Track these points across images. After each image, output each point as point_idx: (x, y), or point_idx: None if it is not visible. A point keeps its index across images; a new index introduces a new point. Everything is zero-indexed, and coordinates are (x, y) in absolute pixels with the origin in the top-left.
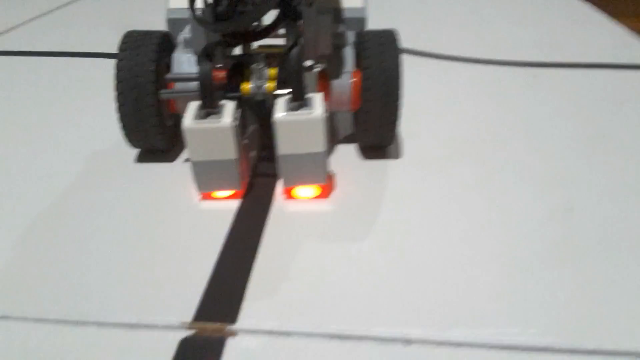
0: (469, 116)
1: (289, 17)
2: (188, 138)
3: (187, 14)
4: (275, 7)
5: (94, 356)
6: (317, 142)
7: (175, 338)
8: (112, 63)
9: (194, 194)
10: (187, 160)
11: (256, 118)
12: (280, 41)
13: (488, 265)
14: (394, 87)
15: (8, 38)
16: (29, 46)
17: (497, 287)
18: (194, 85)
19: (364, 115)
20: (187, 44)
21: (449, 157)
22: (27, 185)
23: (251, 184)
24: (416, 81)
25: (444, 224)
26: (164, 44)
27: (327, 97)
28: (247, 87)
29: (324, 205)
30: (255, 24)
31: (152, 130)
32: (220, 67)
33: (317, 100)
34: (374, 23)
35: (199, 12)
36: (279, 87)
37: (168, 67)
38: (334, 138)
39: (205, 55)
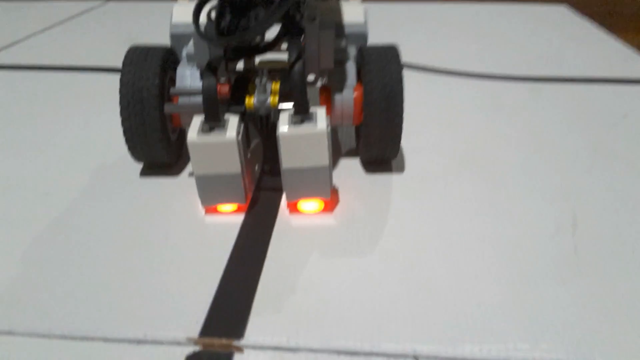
0: (472, 130)
1: (291, 32)
2: (192, 152)
3: (190, 29)
4: (278, 23)
5: None
6: (321, 156)
7: (182, 353)
8: (116, 77)
9: (199, 207)
10: (191, 174)
11: (259, 132)
12: (282, 56)
13: (497, 280)
14: (396, 102)
15: (12, 52)
16: (33, 60)
17: (507, 302)
18: (198, 99)
19: (366, 129)
20: (191, 58)
21: (453, 171)
22: (31, 199)
23: (255, 197)
24: (418, 95)
25: (450, 238)
26: (168, 58)
27: (329, 111)
28: (250, 101)
29: (329, 219)
30: (258, 39)
31: (156, 144)
32: (223, 82)
33: (321, 114)
34: (376, 38)
35: (202, 27)
36: (282, 101)
37: (172, 82)
38: (337, 152)
39: (209, 70)
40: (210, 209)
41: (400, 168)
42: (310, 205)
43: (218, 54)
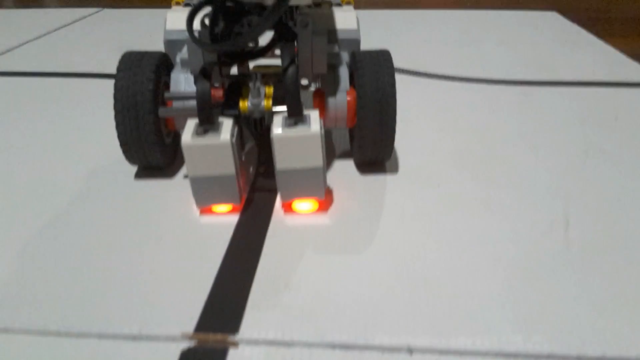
0: (465, 132)
1: (284, 38)
2: (186, 154)
3: (184, 36)
4: (271, 29)
5: None
6: (315, 157)
7: (177, 349)
8: (110, 83)
9: (193, 208)
10: (185, 176)
11: (253, 135)
12: (275, 61)
13: (490, 275)
14: (389, 105)
15: (8, 58)
16: (28, 67)
17: (500, 296)
18: (192, 103)
19: (359, 132)
20: (185, 64)
21: (446, 172)
22: (27, 201)
23: (250, 198)
24: (411, 99)
25: (444, 236)
26: (162, 64)
27: (323, 114)
28: (244, 104)
29: (323, 219)
30: (251, 44)
31: (150, 147)
32: (217, 86)
33: (314, 116)
34: (369, 44)
35: (196, 34)
36: (276, 104)
37: (167, 86)
38: (331, 153)
39: (203, 75)
40: (205, 210)
41: (394, 169)
42: (304, 205)
43: (212, 59)
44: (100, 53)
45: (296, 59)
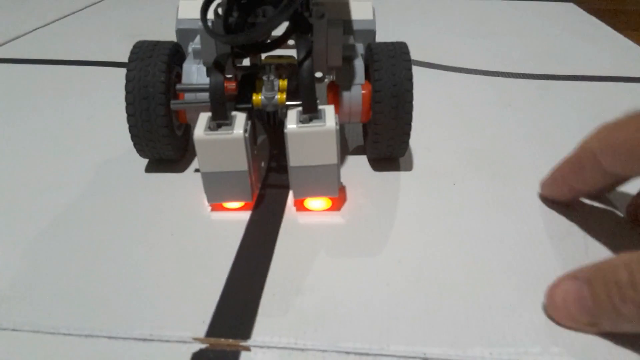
0: (481, 127)
1: (299, 29)
2: (199, 149)
3: (196, 25)
4: (287, 20)
5: None
6: (329, 154)
7: (188, 351)
8: (120, 72)
9: (204, 204)
10: (197, 170)
11: (266, 129)
12: (287, 52)
13: (508, 281)
14: (405, 100)
15: (16, 45)
16: (36, 54)
17: (518, 304)
18: (205, 95)
19: (374, 127)
20: (197, 54)
21: (462, 169)
22: (35, 195)
23: (261, 195)
24: (426, 92)
25: (460, 238)
26: (174, 54)
27: (337, 109)
28: (258, 98)
29: (336, 217)
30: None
31: (162, 140)
32: (230, 78)
33: (329, 112)
34: (382, 35)
35: (210, 24)
36: (289, 98)
37: (178, 77)
38: (344, 149)
39: (217, 67)
40: (216, 206)
41: (409, 166)
42: (317, 203)
43: (225, 51)
44: (111, 40)
45: (312, 52)
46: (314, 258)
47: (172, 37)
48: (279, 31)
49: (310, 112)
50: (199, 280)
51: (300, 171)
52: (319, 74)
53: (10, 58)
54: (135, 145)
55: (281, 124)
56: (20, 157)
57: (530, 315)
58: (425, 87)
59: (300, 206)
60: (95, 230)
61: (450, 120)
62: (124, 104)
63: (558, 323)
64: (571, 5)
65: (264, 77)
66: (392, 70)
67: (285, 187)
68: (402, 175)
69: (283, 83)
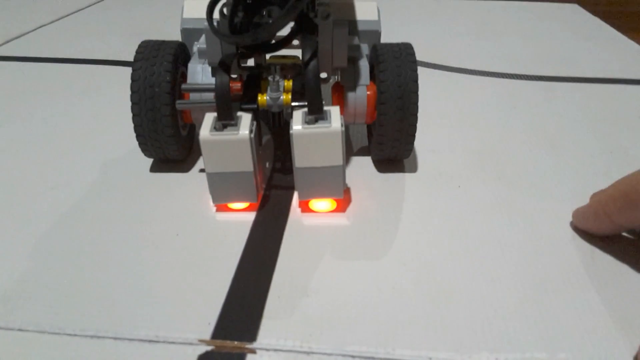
0: (485, 129)
1: (305, 29)
2: (204, 149)
3: (201, 25)
4: (292, 20)
5: None
6: (335, 155)
7: (193, 353)
8: (125, 71)
9: (209, 204)
10: (202, 170)
11: (271, 129)
12: (292, 52)
13: (513, 285)
14: (410, 101)
15: (21, 43)
16: (41, 52)
17: (524, 309)
18: (210, 96)
19: (379, 128)
20: (202, 54)
21: (467, 171)
22: (39, 194)
23: (266, 196)
24: (431, 94)
25: (466, 241)
26: (180, 53)
27: (342, 109)
28: (263, 99)
29: (341, 219)
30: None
31: (167, 140)
32: (235, 79)
33: (335, 113)
34: (387, 36)
35: (215, 24)
36: (295, 99)
37: (183, 77)
38: (349, 150)
39: (222, 67)
40: (221, 206)
41: (413, 167)
42: (322, 204)
43: (230, 51)
44: (116, 39)
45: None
46: (319, 260)
47: (177, 36)
48: (284, 31)
49: (316, 113)
50: (204, 281)
51: (306, 172)
52: (324, 75)
53: (15, 56)
54: (140, 144)
55: (286, 124)
56: (24, 156)
57: (536, 320)
58: (429, 89)
59: (305, 207)
60: (101, 231)
61: (455, 122)
62: (128, 103)
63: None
64: (575, 6)
65: (270, 78)
66: (397, 71)
67: (290, 188)
68: (406, 177)
69: (288, 83)
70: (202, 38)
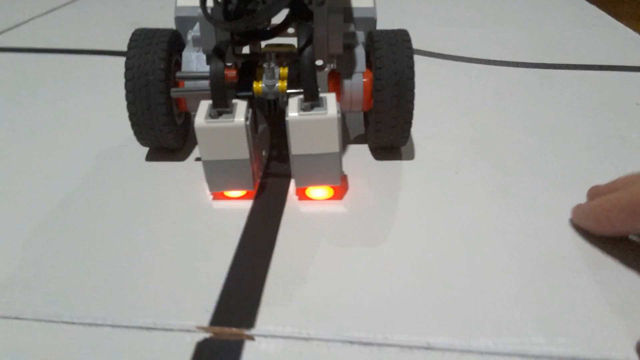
0: (482, 117)
1: (300, 16)
2: (200, 137)
3: (195, 12)
4: (286, 7)
5: (109, 358)
6: (331, 142)
7: (192, 341)
8: (120, 60)
9: (206, 193)
10: (197, 158)
11: (267, 117)
12: (287, 39)
13: (511, 271)
14: (407, 88)
15: (14, 34)
16: (35, 43)
17: (522, 294)
18: (205, 83)
19: (375, 116)
20: (197, 42)
21: (464, 158)
22: (35, 184)
23: (263, 184)
24: (428, 81)
25: (463, 227)
26: (174, 42)
27: (338, 97)
28: (258, 86)
29: (338, 206)
30: (265, 22)
31: (162, 128)
32: (230, 66)
33: (331, 100)
34: (383, 24)
35: (209, 10)
36: (290, 86)
37: (178, 65)
38: (345, 138)
39: (217, 55)
40: (218, 195)
41: (410, 155)
42: (319, 192)
43: (225, 38)
44: (110, 29)
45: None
46: (316, 247)
47: (171, 24)
48: (278, 19)
49: (312, 100)
50: (202, 269)
51: (302, 160)
52: (319, 62)
53: (7, 47)
54: (135, 133)
55: (282, 112)
56: (20, 147)
57: (535, 306)
58: (426, 76)
59: (302, 195)
60: (97, 219)
61: (452, 109)
62: (123, 92)
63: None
64: None
65: (265, 65)
66: (393, 57)
67: (287, 176)
68: (403, 164)
69: (284, 71)
70: (197, 26)
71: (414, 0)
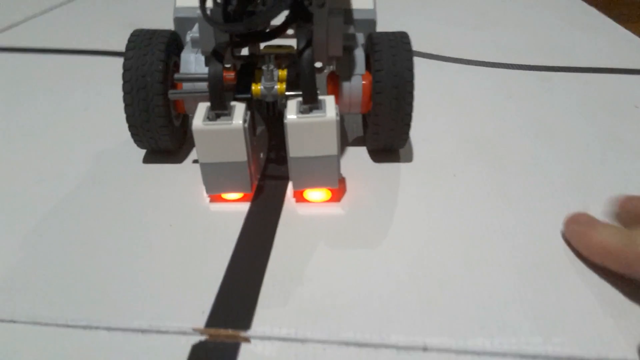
0: (481, 119)
1: (300, 18)
2: (197, 139)
3: (194, 13)
4: (287, 9)
5: None
6: (329, 145)
7: (187, 343)
8: (118, 61)
9: (203, 195)
10: (195, 160)
11: (265, 119)
12: (286, 41)
13: (508, 272)
14: (406, 91)
15: (11, 34)
16: (32, 43)
17: (518, 294)
18: (203, 85)
19: (374, 118)
20: (195, 43)
21: (462, 160)
22: (31, 186)
23: (260, 186)
24: (426, 83)
25: (461, 229)
26: (172, 43)
27: (337, 99)
28: (257, 88)
29: (336, 209)
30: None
31: (160, 130)
32: (228, 68)
33: (330, 102)
34: (382, 25)
35: (208, 12)
36: (289, 88)
37: (176, 67)
38: (343, 140)
39: (215, 56)
40: (215, 197)
41: (409, 157)
42: (317, 194)
43: (224, 39)
44: (108, 29)
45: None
46: (313, 249)
47: (170, 25)
48: (278, 20)
49: (311, 103)
50: (198, 271)
51: (300, 162)
52: (319, 64)
53: (4, 47)
54: (132, 135)
55: (280, 114)
56: (16, 148)
57: (531, 306)
58: (425, 78)
59: (299, 197)
60: (94, 221)
61: (451, 111)
62: (121, 93)
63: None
64: None
65: (264, 67)
66: (392, 60)
67: (285, 178)
68: (402, 166)
69: (282, 73)
70: (196, 27)
71: (413, 2)
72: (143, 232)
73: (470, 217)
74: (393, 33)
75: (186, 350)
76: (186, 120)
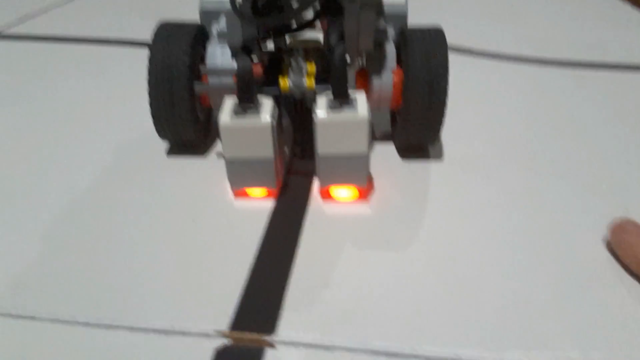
0: (513, 116)
1: (330, 12)
2: (224, 135)
3: (221, 6)
4: (317, 1)
5: None
6: (360, 143)
7: (210, 346)
8: (140, 51)
9: (227, 190)
10: (219, 154)
11: (291, 114)
12: (313, 34)
13: (544, 280)
14: (439, 87)
15: (37, 23)
16: (57, 31)
17: (555, 305)
18: (229, 79)
19: (405, 114)
20: (222, 36)
21: (494, 160)
22: (54, 179)
23: (285, 182)
24: (457, 79)
25: (494, 233)
26: (198, 36)
27: (367, 94)
28: (285, 83)
29: (364, 208)
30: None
31: (184, 123)
32: (257, 62)
33: (361, 99)
34: (412, 18)
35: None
36: (318, 83)
37: (202, 60)
38: (371, 137)
39: (244, 50)
40: (240, 193)
41: (438, 155)
42: (343, 192)
43: (251, 33)
44: (132, 19)
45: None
46: (340, 251)
47: (194, 16)
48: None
49: (341, 98)
50: (222, 270)
51: (329, 160)
52: (348, 59)
53: (28, 35)
54: (156, 127)
55: (308, 109)
56: (37, 139)
57: (570, 318)
58: (456, 73)
59: (325, 195)
60: (116, 216)
61: (482, 107)
62: (143, 84)
63: None
64: None
65: (292, 61)
66: (427, 55)
67: (310, 174)
68: (431, 165)
69: (311, 67)
70: (222, 20)
71: None
72: (166, 228)
73: (503, 221)
74: (428, 28)
75: (209, 355)
76: (210, 113)
